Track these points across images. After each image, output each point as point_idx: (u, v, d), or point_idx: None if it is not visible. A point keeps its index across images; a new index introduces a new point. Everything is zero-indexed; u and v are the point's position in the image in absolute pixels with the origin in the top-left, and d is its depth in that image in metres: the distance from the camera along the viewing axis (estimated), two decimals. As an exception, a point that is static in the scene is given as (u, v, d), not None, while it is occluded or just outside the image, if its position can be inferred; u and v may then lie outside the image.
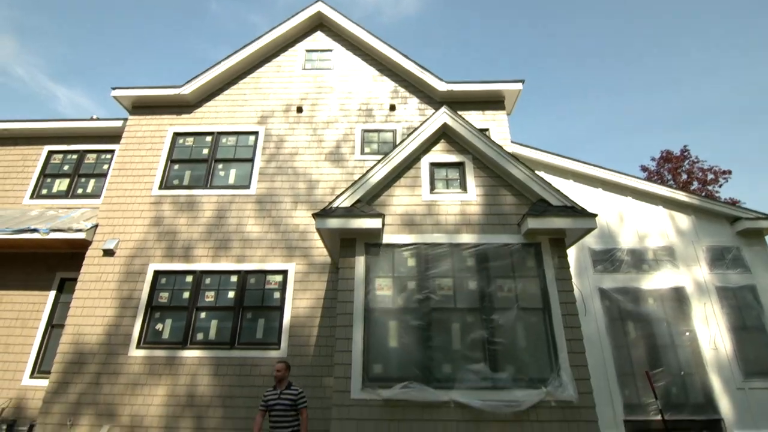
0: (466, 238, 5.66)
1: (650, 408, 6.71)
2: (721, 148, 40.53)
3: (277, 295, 6.96)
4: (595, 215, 5.52)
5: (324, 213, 5.55)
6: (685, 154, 21.48)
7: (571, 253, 7.49)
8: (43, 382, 6.93)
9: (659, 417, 6.31)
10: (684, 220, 8.15)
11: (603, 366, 6.93)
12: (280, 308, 6.83)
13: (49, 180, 8.99)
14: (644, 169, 22.29)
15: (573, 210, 5.58)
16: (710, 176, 20.66)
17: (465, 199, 5.93)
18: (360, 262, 5.53)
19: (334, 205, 5.66)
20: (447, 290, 5.39)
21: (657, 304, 7.46)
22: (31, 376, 7.22)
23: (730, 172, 20.35)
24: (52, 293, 7.86)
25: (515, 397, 4.77)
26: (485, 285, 5.38)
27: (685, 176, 21.17)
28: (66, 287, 7.87)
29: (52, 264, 8.01)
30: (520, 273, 5.47)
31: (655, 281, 7.61)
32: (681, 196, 8.25)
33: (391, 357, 5.12)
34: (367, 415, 4.78)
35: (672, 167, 21.48)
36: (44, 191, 8.87)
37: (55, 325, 7.59)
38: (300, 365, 6.41)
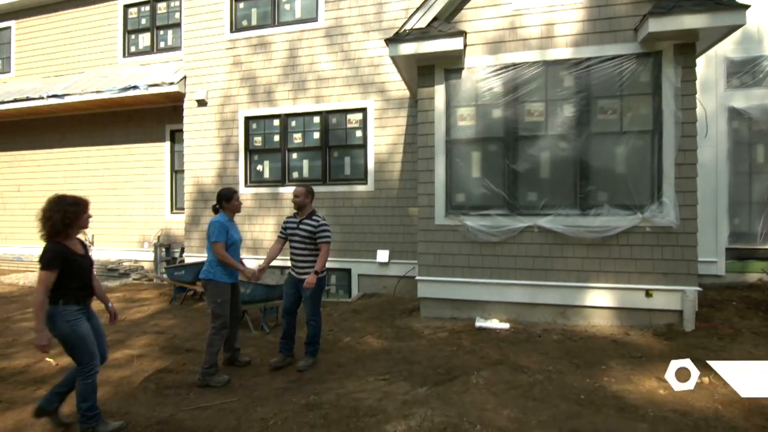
0: (565, 53, 4.83)
1: (761, 237, 6.20)
2: None
3: (359, 133, 7.05)
4: (746, 6, 4.23)
5: (396, 38, 5.01)
6: None
7: (698, 64, 6.15)
8: (181, 216, 8.43)
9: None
10: None
11: (714, 193, 6.29)
12: (364, 146, 6.99)
13: (133, 37, 9.32)
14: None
15: (714, 1, 4.31)
16: None
17: (566, 3, 4.86)
18: (439, 90, 5.16)
19: (408, 26, 5.05)
20: (537, 116, 4.92)
21: (805, 123, 6.17)
22: (171, 212, 8.84)
23: None
24: (167, 144, 8.92)
25: (605, 223, 4.65)
26: (583, 107, 4.78)
27: None
28: (176, 137, 8.82)
29: (161, 117, 8.87)
30: (629, 90, 4.70)
31: (809, 94, 6.13)
32: None
33: (473, 187, 5.13)
34: (451, 239, 5.10)
35: None
36: (132, 48, 9.33)
37: (177, 171, 8.83)
38: (387, 197, 6.84)
